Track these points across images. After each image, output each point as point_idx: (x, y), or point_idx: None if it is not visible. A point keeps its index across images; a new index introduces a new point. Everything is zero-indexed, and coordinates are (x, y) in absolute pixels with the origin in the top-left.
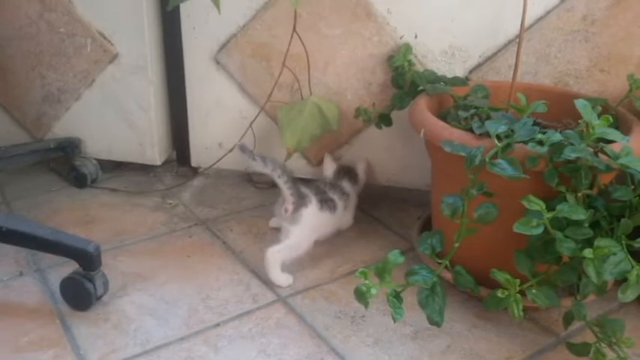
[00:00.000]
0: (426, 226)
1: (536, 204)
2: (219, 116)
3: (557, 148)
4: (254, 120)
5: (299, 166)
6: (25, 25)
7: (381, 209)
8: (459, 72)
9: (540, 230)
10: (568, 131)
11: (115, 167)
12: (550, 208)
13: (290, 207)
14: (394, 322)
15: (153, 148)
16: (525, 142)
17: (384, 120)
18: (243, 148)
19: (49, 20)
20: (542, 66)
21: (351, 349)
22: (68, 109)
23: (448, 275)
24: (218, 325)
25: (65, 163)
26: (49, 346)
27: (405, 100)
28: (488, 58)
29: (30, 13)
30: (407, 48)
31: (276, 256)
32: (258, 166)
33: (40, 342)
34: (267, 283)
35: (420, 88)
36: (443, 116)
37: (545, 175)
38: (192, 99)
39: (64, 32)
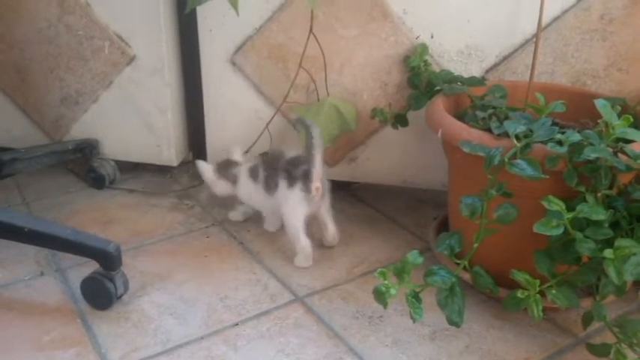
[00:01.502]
0: (442, 226)
1: (557, 204)
2: (236, 117)
3: (576, 148)
4: (270, 121)
5: None
6: (44, 28)
7: (397, 209)
8: (476, 72)
9: (560, 231)
10: (587, 131)
11: (132, 168)
12: (569, 209)
13: (319, 183)
14: (413, 322)
15: (170, 150)
16: (544, 142)
17: (401, 120)
18: (301, 121)
19: (68, 23)
20: (559, 65)
21: (370, 349)
22: (86, 111)
23: (466, 276)
24: (237, 324)
25: (83, 164)
26: (70, 345)
27: (421, 100)
28: (505, 58)
29: (49, 16)
30: (423, 48)
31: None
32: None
33: (62, 341)
34: (285, 283)
35: (437, 88)
36: (460, 116)
37: (564, 175)
38: (209, 100)
39: (83, 35)
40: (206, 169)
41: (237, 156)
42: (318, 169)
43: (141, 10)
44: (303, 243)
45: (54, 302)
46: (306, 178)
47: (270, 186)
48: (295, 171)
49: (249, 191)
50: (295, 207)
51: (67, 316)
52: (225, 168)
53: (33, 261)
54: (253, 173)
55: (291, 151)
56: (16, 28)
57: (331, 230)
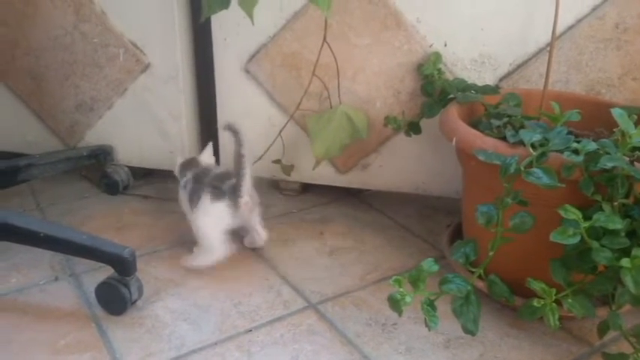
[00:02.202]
0: (456, 234)
1: (573, 213)
2: (249, 125)
3: (592, 157)
4: (283, 128)
5: (326, 173)
6: (60, 35)
7: (410, 217)
8: (489, 80)
9: (577, 239)
10: (603, 140)
11: (145, 174)
12: (585, 218)
13: (248, 198)
14: (429, 330)
15: (183, 156)
16: (560, 151)
17: (414, 128)
18: (231, 127)
19: (83, 31)
20: (573, 74)
21: (384, 356)
22: (101, 118)
23: (480, 284)
24: (250, 330)
25: (97, 170)
26: (85, 349)
27: (434, 108)
28: (519, 67)
29: (64, 24)
30: (437, 56)
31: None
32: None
33: (77, 345)
34: (298, 290)
35: (450, 96)
36: (473, 124)
37: (580, 184)
38: (223, 108)
39: (98, 42)
40: (176, 164)
41: (204, 156)
42: (247, 183)
43: (156, 18)
44: (218, 253)
45: (68, 307)
46: (234, 193)
47: (193, 200)
48: (223, 185)
49: (181, 199)
50: (215, 221)
51: (81, 320)
52: (184, 168)
53: (47, 266)
54: (185, 184)
55: (220, 167)
56: (31, 35)
57: (261, 234)
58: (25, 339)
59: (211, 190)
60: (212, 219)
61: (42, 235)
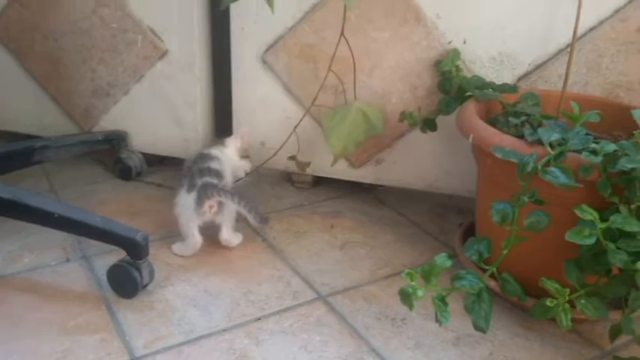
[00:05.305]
0: (468, 233)
1: (590, 214)
2: (263, 115)
3: (611, 158)
4: (298, 124)
5: (340, 167)
6: (79, 19)
7: (421, 214)
8: (508, 79)
9: (593, 240)
10: (623, 142)
11: (158, 161)
12: (602, 219)
13: (215, 203)
14: (439, 325)
15: (197, 144)
16: (578, 152)
17: (429, 125)
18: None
19: (102, 16)
20: (592, 76)
21: (392, 350)
22: (116, 103)
23: (491, 283)
24: (259, 319)
25: (111, 155)
26: (95, 331)
27: (451, 105)
28: (538, 67)
29: (84, 8)
30: (455, 53)
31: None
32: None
33: (87, 326)
34: (308, 282)
35: (468, 93)
36: (491, 123)
37: (598, 184)
38: (238, 97)
39: (116, 28)
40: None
41: (231, 141)
42: (222, 197)
43: (175, 5)
44: (195, 240)
45: (79, 288)
46: (204, 191)
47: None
48: (199, 180)
49: None
50: (184, 211)
51: (92, 302)
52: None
53: (59, 247)
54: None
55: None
56: (51, 19)
57: (223, 234)
58: (35, 318)
59: (189, 181)
60: (180, 208)
61: (56, 215)
